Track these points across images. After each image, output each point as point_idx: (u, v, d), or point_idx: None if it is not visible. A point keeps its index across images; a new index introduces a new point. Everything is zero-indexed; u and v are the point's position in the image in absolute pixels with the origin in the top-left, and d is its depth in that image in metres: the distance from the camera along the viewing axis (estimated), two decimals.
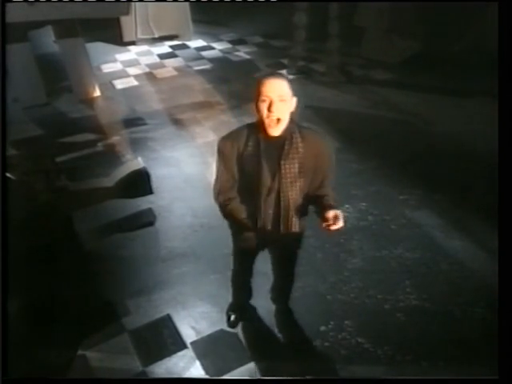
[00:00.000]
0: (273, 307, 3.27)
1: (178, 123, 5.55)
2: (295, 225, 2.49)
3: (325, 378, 2.87)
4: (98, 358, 3.06)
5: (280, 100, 2.14)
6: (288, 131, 2.27)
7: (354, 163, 4.74)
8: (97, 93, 6.14)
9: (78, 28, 5.77)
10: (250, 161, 2.32)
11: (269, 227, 2.49)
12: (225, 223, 2.77)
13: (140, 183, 3.93)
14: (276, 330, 3.20)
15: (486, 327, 3.07)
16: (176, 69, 6.99)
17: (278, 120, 2.18)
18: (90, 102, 6.03)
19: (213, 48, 7.70)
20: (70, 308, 3.32)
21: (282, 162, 2.30)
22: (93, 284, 3.53)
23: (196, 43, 7.84)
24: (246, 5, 7.51)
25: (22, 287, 3.27)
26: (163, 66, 7.06)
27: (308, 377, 2.92)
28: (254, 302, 3.28)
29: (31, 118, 5.66)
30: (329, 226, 2.22)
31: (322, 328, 3.19)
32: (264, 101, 2.14)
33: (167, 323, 3.25)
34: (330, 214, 2.23)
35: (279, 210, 2.43)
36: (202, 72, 6.88)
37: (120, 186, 3.86)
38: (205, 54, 7.50)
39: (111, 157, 4.85)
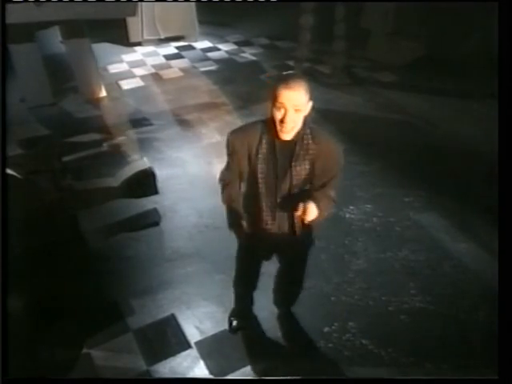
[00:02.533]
0: (275, 309, 3.28)
1: (183, 124, 5.57)
2: (305, 226, 2.48)
3: (325, 378, 2.86)
4: (102, 356, 3.07)
5: (295, 110, 2.12)
6: (300, 135, 2.26)
7: (358, 165, 4.74)
8: (103, 93, 6.16)
9: (84, 29, 5.80)
10: (263, 161, 2.32)
11: (279, 228, 2.49)
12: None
13: (145, 183, 3.94)
14: (279, 332, 3.21)
15: (490, 330, 3.06)
16: (182, 70, 7.01)
17: (291, 127, 2.18)
18: (96, 102, 6.05)
19: (218, 49, 7.73)
20: (74, 307, 3.33)
21: (293, 164, 2.30)
22: (97, 283, 3.54)
23: (202, 44, 7.87)
24: (252, 6, 7.58)
25: (27, 286, 3.30)
26: (169, 67, 7.09)
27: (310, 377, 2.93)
28: (256, 302, 3.26)
29: (37, 117, 5.69)
30: (298, 215, 2.26)
31: (326, 329, 3.20)
32: (279, 108, 2.13)
33: (171, 323, 3.26)
34: (302, 205, 2.23)
35: (291, 212, 2.41)
36: (207, 73, 6.90)
37: (125, 185, 3.87)
38: (210, 55, 7.52)
39: (117, 157, 4.86)
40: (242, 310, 3.25)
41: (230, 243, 2.98)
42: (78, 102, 6.03)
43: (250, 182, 2.43)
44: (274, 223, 2.48)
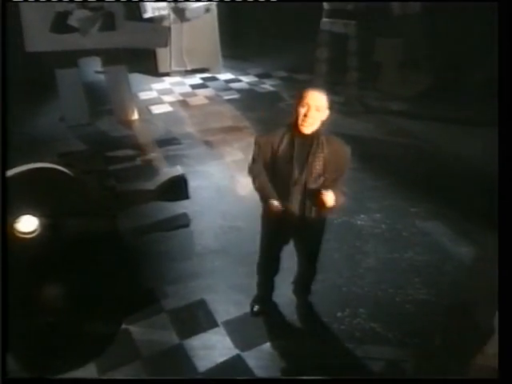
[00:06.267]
0: (294, 297, 3.67)
1: (209, 144, 6.08)
2: (316, 212, 2.97)
3: (326, 379, 3.08)
4: (139, 331, 3.47)
5: (316, 109, 2.67)
6: (317, 134, 2.78)
7: (369, 180, 5.20)
8: (135, 116, 6.72)
9: (122, 56, 6.40)
10: (283, 155, 2.83)
11: (295, 211, 2.94)
12: (251, 226, 3.32)
13: (178, 188, 4.38)
14: (296, 316, 3.59)
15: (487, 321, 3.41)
16: (207, 97, 7.61)
17: (311, 122, 2.70)
18: (128, 123, 6.61)
19: (240, 80, 8.32)
20: (115, 291, 3.73)
21: (310, 159, 2.80)
22: (134, 273, 3.95)
23: (225, 76, 8.49)
24: (272, 42, 8.24)
25: (76, 274, 3.73)
26: (195, 95, 7.68)
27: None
28: (276, 290, 3.64)
29: (75, 135, 6.25)
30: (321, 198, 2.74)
31: (339, 314, 3.58)
32: (303, 106, 2.68)
33: (201, 305, 3.67)
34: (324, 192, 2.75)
35: (304, 199, 2.91)
36: (230, 101, 7.48)
37: (161, 189, 4.31)
38: (233, 85, 8.12)
39: (149, 170, 5.37)
40: (263, 297, 3.64)
41: (252, 241, 3.47)
42: (112, 123, 6.59)
43: (270, 173, 2.93)
44: (290, 210, 2.94)
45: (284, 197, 2.92)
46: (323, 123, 2.77)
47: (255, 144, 2.93)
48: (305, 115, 2.67)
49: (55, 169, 3.77)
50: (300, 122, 2.70)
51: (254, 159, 2.98)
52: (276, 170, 2.89)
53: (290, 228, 3.09)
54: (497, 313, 2.40)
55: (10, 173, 3.56)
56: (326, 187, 2.82)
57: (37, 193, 3.69)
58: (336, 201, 2.79)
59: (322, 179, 2.85)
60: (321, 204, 2.79)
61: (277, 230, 3.13)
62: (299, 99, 2.69)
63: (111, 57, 6.40)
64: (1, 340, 2.42)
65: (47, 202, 3.73)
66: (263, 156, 2.90)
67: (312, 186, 2.85)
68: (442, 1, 6.49)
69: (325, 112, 2.72)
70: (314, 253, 3.34)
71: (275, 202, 2.90)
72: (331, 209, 2.85)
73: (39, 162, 3.75)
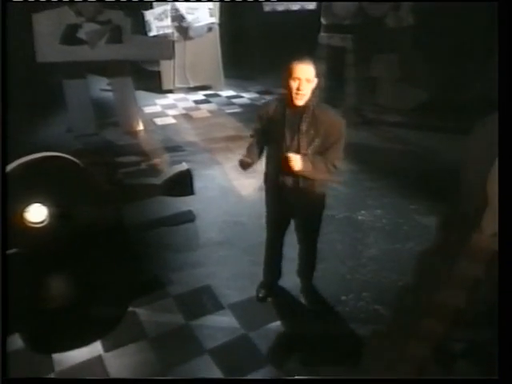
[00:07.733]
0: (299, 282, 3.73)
1: (212, 150, 6.23)
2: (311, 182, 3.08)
3: (326, 379, 3.15)
4: (146, 313, 3.52)
5: (307, 81, 2.79)
6: (309, 103, 2.88)
7: (368, 181, 5.36)
8: (140, 127, 6.89)
9: (128, 68, 6.61)
10: (275, 123, 2.95)
11: (289, 182, 3.06)
12: (255, 221, 3.54)
13: (184, 183, 4.47)
14: (302, 300, 3.65)
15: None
16: (210, 111, 7.82)
17: (304, 94, 2.82)
18: (133, 134, 6.79)
19: (242, 97, 8.57)
20: (123, 279, 3.80)
21: (302, 126, 2.89)
22: (138, 262, 4.03)
23: (227, 93, 8.75)
24: (271, 62, 8.45)
25: (84, 263, 3.79)
26: (198, 109, 7.90)
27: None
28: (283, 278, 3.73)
29: (83, 144, 6.40)
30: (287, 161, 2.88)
31: (343, 298, 3.64)
32: (294, 81, 2.79)
33: (207, 290, 3.73)
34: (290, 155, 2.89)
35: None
36: (233, 114, 7.69)
37: (166, 184, 4.41)
38: (235, 101, 8.36)
39: (154, 173, 5.48)
40: (269, 283, 3.71)
41: (256, 234, 3.59)
42: (117, 133, 6.77)
43: (267, 144, 3.07)
44: (283, 178, 3.06)
45: (278, 165, 3.01)
46: (314, 93, 2.87)
47: (257, 117, 3.08)
48: (297, 89, 2.78)
49: (65, 158, 3.86)
50: (294, 95, 2.81)
51: (253, 133, 3.13)
52: (271, 139, 3.01)
53: (288, 200, 3.16)
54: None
55: (20, 161, 3.66)
56: (317, 154, 2.95)
57: (47, 181, 3.78)
58: (315, 169, 2.93)
59: (313, 144, 2.93)
60: (287, 167, 2.90)
61: (277, 203, 3.24)
62: (289, 74, 2.79)
63: (117, 70, 6.60)
64: (1, 340, 2.42)
65: (56, 190, 3.81)
66: (263, 126, 3.02)
67: (305, 151, 2.93)
68: (443, 1, 6.70)
69: (314, 81, 2.82)
70: (314, 230, 3.40)
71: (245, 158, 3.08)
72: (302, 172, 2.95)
73: (49, 152, 3.85)
